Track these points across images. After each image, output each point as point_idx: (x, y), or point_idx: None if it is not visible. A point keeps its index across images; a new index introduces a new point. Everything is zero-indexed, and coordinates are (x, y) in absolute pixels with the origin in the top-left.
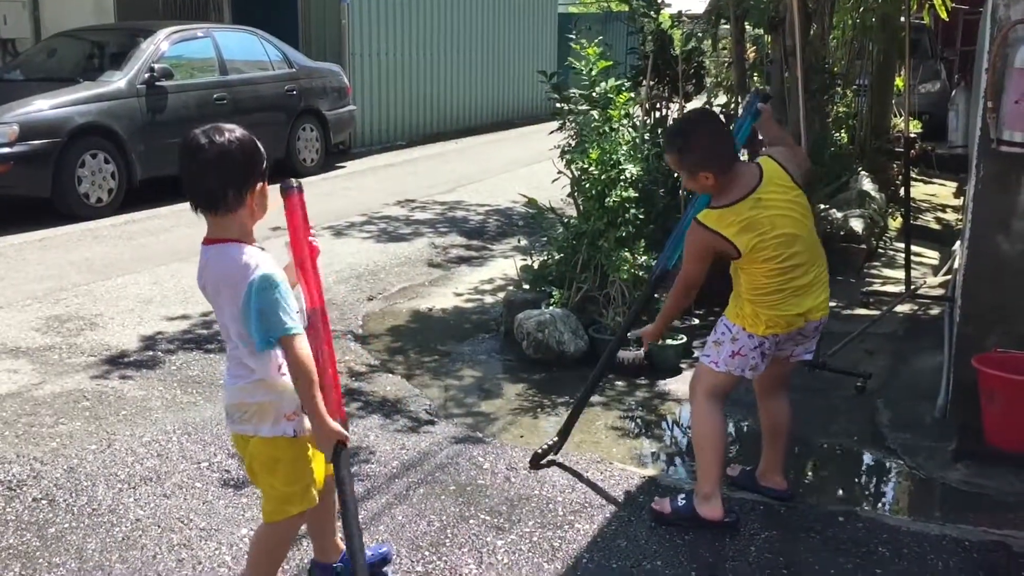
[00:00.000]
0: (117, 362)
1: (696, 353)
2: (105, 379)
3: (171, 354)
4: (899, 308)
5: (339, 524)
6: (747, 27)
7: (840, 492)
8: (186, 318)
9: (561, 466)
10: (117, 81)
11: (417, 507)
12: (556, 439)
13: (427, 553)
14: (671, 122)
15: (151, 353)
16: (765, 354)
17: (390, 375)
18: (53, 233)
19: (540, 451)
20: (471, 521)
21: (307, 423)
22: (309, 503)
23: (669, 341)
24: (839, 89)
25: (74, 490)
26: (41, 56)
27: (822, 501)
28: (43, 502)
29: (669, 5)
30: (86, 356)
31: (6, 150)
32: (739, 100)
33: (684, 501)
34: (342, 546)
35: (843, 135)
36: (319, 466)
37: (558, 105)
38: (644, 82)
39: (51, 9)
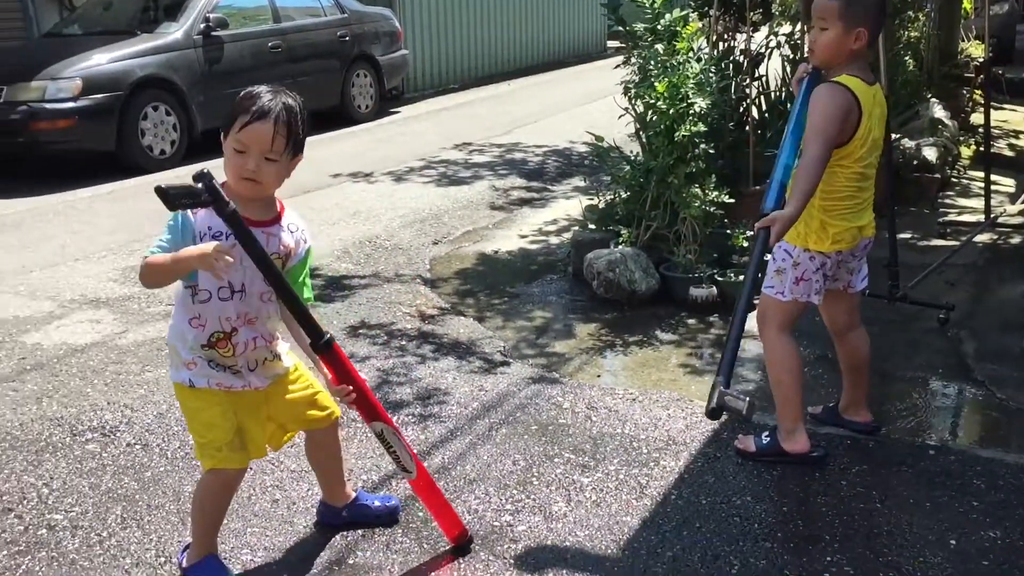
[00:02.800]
0: None
1: None
2: None
3: None
4: (978, 238)
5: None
6: None
7: (929, 425)
8: None
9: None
10: (174, 32)
11: (501, 447)
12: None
13: (515, 492)
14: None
15: None
16: (827, 276)
17: (462, 317)
18: (120, 186)
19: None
20: (556, 460)
21: (209, 379)
22: (219, 463)
23: (742, 277)
24: (910, 13)
25: (165, 435)
26: (97, 10)
27: (911, 435)
28: (137, 447)
29: None
30: (164, 305)
31: (70, 104)
32: (804, 29)
33: (768, 438)
34: (351, 495)
35: (911, 61)
36: (215, 436)
37: (617, 43)
38: (711, 12)
39: None
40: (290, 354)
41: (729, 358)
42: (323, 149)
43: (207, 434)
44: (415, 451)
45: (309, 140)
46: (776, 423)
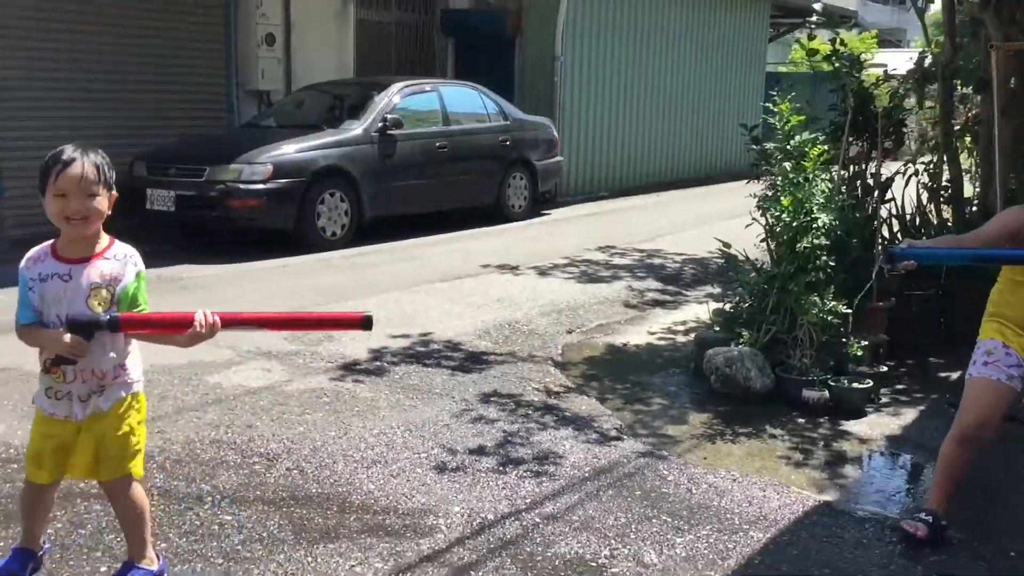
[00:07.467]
0: (350, 368)
1: (884, 399)
2: (341, 381)
3: (395, 365)
4: None
5: None
6: (956, 86)
7: None
8: (407, 337)
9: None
10: (355, 129)
11: (606, 505)
12: None
13: (613, 541)
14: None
15: (378, 363)
16: None
17: (584, 397)
18: (293, 261)
19: None
20: (653, 521)
21: (41, 402)
22: (27, 475)
23: (855, 384)
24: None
25: (319, 465)
26: (291, 106)
27: (1005, 543)
28: (295, 472)
29: (884, 65)
30: (325, 362)
31: (260, 187)
32: (943, 159)
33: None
34: (139, 557)
35: None
36: (29, 450)
37: (756, 157)
38: (843, 137)
39: (300, 64)
40: (132, 399)
41: None
42: (476, 242)
43: (29, 447)
44: (527, 503)
45: (464, 233)
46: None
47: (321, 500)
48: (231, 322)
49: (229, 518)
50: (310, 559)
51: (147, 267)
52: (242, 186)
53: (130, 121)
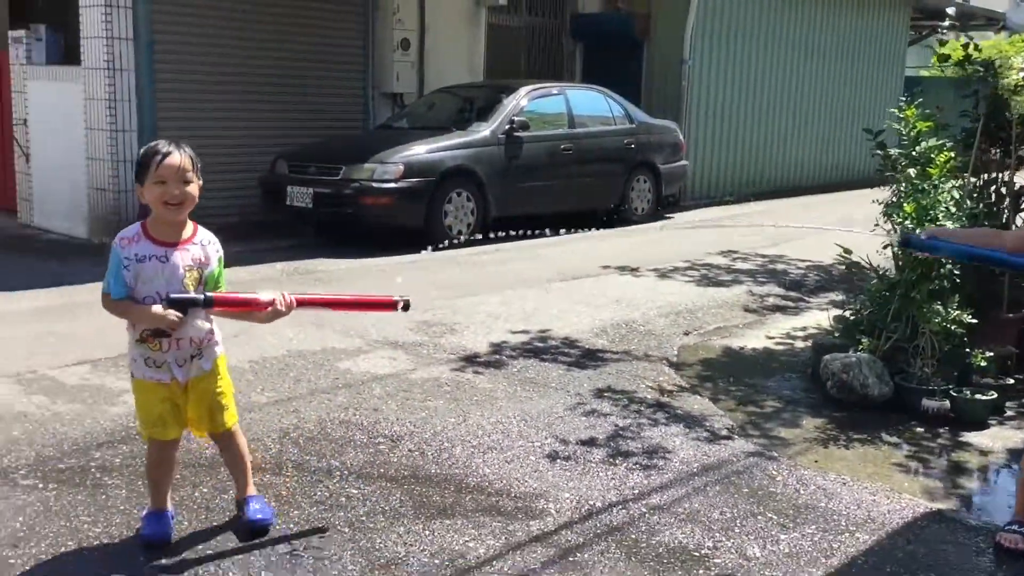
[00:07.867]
0: (471, 360)
1: (1010, 412)
2: (461, 372)
3: (513, 359)
4: None
5: None
6: None
7: None
8: (526, 332)
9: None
10: (483, 131)
11: (712, 500)
12: None
13: (718, 534)
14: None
15: (497, 356)
16: None
17: (697, 396)
18: (420, 257)
19: None
20: (759, 517)
21: (142, 371)
22: (149, 436)
23: (978, 395)
24: None
25: (439, 448)
26: (423, 108)
27: None
28: (416, 453)
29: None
30: (447, 353)
31: (391, 185)
32: None
33: None
34: (247, 495)
35: None
36: (147, 415)
37: (881, 163)
38: (975, 144)
39: (433, 68)
40: (221, 360)
41: None
42: (597, 243)
43: (141, 413)
44: (635, 493)
45: (586, 234)
46: None
47: (440, 480)
48: (301, 303)
49: (355, 491)
50: (428, 533)
51: (285, 260)
52: (375, 184)
53: (276, 122)
